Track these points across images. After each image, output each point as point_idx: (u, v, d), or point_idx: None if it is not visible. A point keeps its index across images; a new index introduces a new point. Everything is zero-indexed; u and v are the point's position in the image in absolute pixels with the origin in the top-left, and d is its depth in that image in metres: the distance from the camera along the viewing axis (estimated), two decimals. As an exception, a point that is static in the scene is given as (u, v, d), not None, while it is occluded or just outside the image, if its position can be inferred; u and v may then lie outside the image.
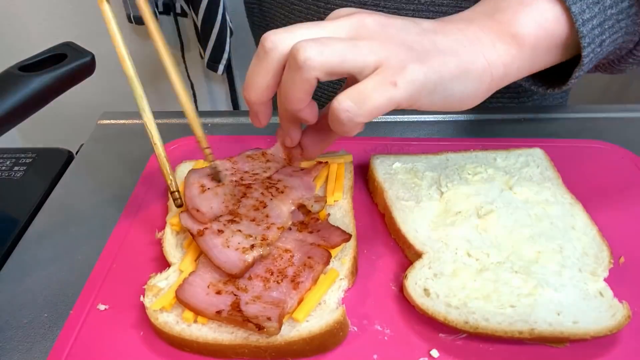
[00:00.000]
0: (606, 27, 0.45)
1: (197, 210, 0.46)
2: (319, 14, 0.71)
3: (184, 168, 0.57)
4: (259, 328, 0.38)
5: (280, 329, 0.39)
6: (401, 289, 0.45)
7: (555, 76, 0.52)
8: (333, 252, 0.46)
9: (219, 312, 0.40)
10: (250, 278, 0.42)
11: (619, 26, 0.46)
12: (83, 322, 0.43)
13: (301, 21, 0.72)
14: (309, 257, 0.44)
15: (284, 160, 0.52)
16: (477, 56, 0.42)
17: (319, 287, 0.43)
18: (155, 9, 1.54)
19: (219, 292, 0.41)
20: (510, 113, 0.70)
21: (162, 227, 0.51)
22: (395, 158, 0.57)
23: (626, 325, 0.40)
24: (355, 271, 0.46)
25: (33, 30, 1.73)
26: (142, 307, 0.43)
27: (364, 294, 0.45)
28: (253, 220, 0.46)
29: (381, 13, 0.42)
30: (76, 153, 0.67)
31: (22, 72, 0.45)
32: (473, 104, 0.43)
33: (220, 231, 0.45)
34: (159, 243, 0.49)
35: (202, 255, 0.45)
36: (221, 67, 1.61)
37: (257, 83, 0.42)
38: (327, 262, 0.44)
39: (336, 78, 0.40)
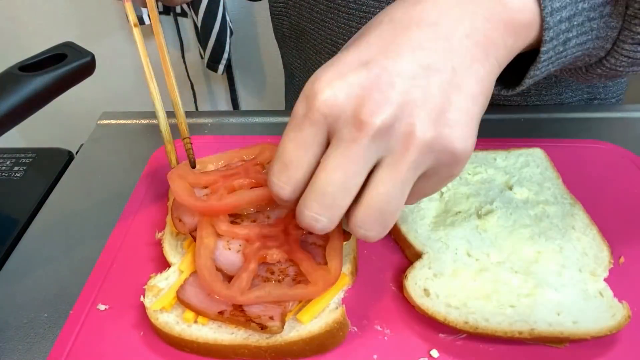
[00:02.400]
0: (575, 23, 0.39)
1: (179, 220, 0.47)
2: (349, 27, 0.69)
3: (184, 168, 0.57)
4: (262, 328, 0.38)
5: (283, 327, 0.39)
6: (401, 289, 0.45)
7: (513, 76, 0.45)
8: (333, 252, 0.46)
9: (221, 313, 0.40)
10: (250, 278, 0.42)
11: (589, 26, 0.39)
12: (83, 322, 0.43)
13: (332, 36, 0.71)
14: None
15: None
16: None
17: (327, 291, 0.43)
18: (155, 8, 1.54)
19: (219, 292, 0.41)
20: (510, 113, 0.70)
21: (162, 227, 0.51)
22: (395, 158, 0.57)
23: (626, 325, 0.40)
24: (355, 271, 0.46)
25: (33, 30, 1.73)
26: (142, 307, 0.43)
27: (364, 294, 0.45)
28: (254, 221, 0.46)
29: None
30: (76, 153, 0.67)
31: (22, 72, 0.45)
32: None
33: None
34: (159, 243, 0.49)
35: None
36: (221, 67, 1.61)
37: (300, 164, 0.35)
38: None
39: None
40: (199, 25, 1.53)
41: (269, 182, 0.36)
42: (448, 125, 0.33)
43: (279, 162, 0.35)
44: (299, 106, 0.34)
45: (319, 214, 0.35)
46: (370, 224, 0.35)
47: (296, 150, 0.34)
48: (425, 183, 0.36)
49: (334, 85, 0.33)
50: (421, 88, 0.33)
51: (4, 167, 0.64)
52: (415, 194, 0.37)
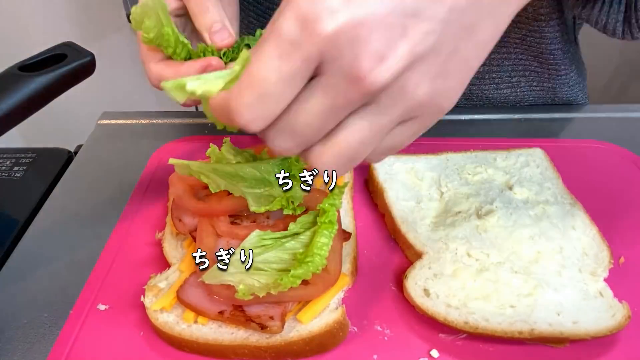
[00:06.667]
0: None
1: (180, 220, 0.47)
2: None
3: (184, 168, 0.57)
4: (262, 327, 0.38)
5: (283, 327, 0.39)
6: (401, 289, 0.45)
7: None
8: (333, 252, 0.45)
9: (221, 313, 0.40)
10: (250, 278, 0.42)
11: None
12: (83, 322, 0.43)
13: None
14: (309, 257, 0.44)
15: None
16: None
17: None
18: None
19: (219, 292, 0.41)
20: (511, 113, 0.70)
21: (162, 227, 0.51)
22: (395, 158, 0.57)
23: (626, 325, 0.40)
24: (355, 271, 0.46)
25: (33, 30, 1.73)
26: (142, 307, 0.43)
27: (364, 294, 0.45)
28: (254, 221, 0.46)
29: None
30: (76, 153, 0.67)
31: (22, 72, 0.45)
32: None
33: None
34: (159, 243, 0.49)
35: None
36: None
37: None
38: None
39: None
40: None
41: (235, 108, 0.30)
42: (444, 76, 0.30)
43: (255, 91, 0.29)
44: (290, 26, 0.28)
45: (288, 147, 0.32)
46: (335, 166, 0.32)
47: (280, 84, 0.29)
48: (399, 134, 0.33)
49: (338, 13, 0.27)
50: (435, 36, 0.29)
51: (4, 167, 0.64)
52: (385, 147, 0.34)
